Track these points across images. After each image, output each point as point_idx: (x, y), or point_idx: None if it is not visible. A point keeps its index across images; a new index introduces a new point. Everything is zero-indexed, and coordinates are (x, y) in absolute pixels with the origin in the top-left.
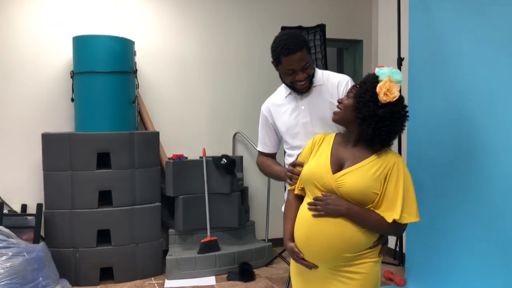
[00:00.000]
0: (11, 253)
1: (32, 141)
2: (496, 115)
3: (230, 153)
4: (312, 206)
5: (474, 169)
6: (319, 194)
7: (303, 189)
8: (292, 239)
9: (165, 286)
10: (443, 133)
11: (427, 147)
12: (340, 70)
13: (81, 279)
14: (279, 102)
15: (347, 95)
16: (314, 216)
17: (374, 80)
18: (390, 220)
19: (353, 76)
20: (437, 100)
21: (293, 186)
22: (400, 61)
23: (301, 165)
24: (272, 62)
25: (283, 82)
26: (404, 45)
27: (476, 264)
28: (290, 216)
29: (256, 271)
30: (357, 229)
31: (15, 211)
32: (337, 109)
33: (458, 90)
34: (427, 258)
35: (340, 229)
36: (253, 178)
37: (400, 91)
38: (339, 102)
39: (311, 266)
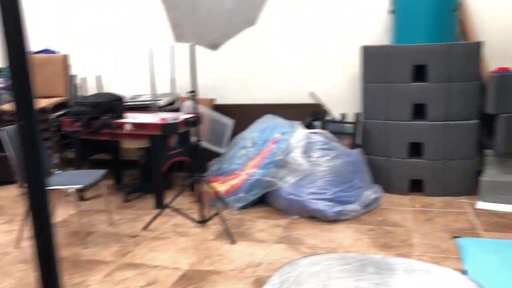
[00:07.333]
0: (333, 154)
1: (350, 53)
2: None
3: None
4: None
5: None
6: None
7: None
8: None
9: (477, 207)
10: None
11: None
12: None
13: (392, 188)
14: None
15: None
16: None
17: None
18: None
19: None
20: None
21: None
22: None
23: None
24: None
25: None
26: None
27: None
28: None
29: None
30: None
31: (335, 119)
32: None
33: None
34: None
35: None
36: None
37: None
38: None
39: None
